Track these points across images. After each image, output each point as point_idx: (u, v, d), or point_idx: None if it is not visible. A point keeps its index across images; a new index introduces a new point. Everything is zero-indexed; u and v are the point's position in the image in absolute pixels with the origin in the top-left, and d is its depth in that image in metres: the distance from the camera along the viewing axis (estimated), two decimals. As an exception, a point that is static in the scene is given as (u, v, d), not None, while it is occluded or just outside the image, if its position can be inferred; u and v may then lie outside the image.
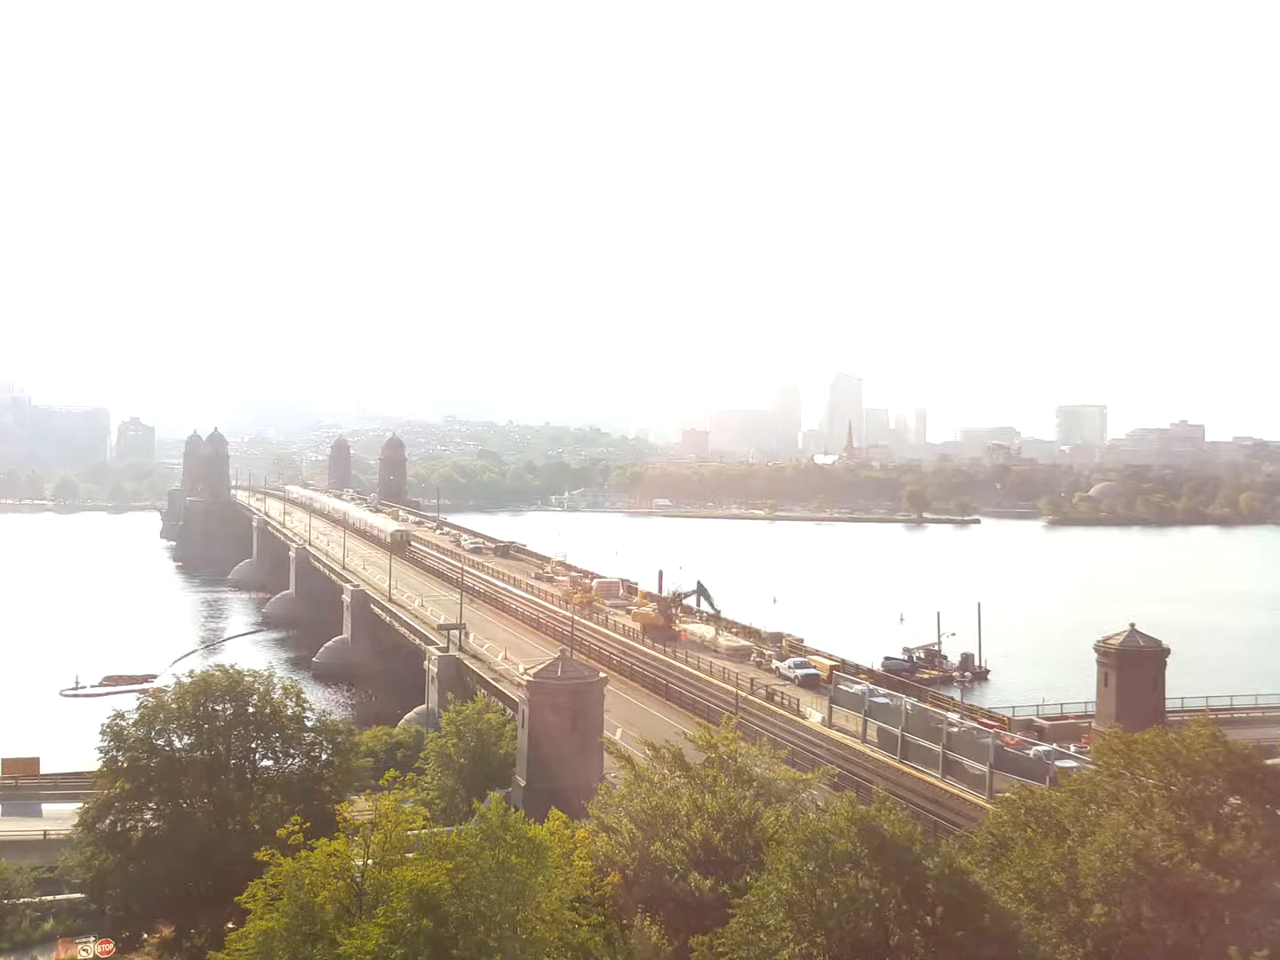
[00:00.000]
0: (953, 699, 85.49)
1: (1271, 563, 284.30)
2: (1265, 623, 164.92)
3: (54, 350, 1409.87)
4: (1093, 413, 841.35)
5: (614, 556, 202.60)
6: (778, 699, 76.97)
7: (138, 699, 52.53)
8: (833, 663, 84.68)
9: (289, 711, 50.86)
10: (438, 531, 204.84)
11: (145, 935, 48.91)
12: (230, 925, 38.61)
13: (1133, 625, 72.59)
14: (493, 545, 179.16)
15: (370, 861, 32.79)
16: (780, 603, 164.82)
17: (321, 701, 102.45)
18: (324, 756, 51.70)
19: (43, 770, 75.30)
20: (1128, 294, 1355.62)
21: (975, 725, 63.35)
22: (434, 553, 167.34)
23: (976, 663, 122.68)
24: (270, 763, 50.37)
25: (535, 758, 56.27)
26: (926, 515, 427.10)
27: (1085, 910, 31.49)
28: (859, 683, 71.17)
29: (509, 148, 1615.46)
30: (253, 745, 49.96)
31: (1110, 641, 71.84)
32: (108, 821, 47.95)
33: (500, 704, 75.90)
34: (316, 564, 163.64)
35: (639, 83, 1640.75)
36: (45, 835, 62.53)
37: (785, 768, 44.95)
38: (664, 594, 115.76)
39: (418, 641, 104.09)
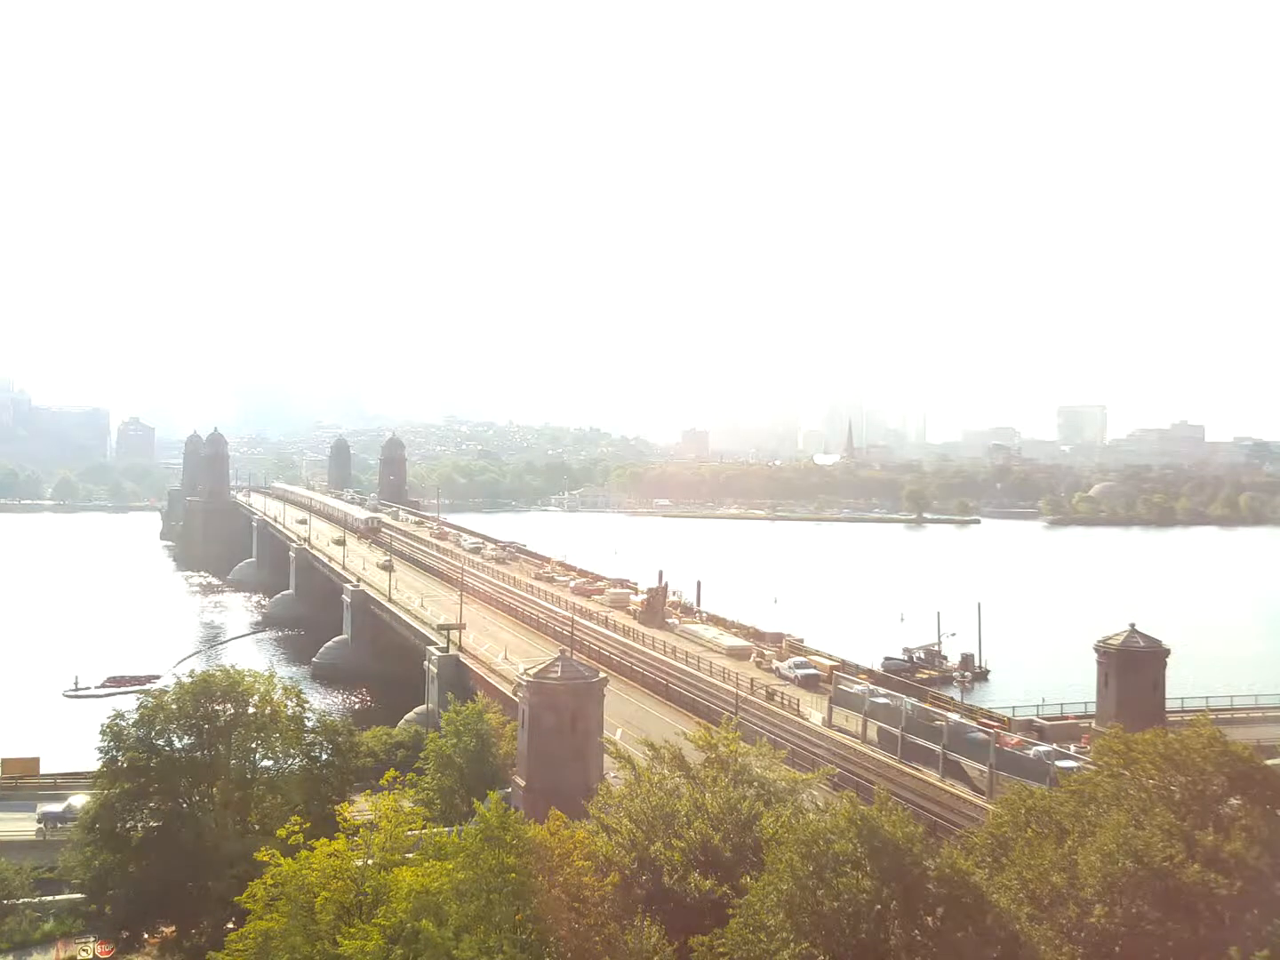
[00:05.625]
0: (953, 699, 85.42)
1: (1272, 564, 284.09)
2: (1265, 624, 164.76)
3: (54, 350, 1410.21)
4: (1093, 413, 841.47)
5: (614, 556, 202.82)
6: (778, 699, 76.87)
7: (138, 699, 52.55)
8: (833, 663, 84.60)
9: (289, 711, 50.98)
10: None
11: (145, 935, 48.95)
12: (230, 925, 38.63)
13: (1133, 625, 72.49)
14: (493, 546, 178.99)
15: (370, 862, 32.81)
16: (781, 603, 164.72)
17: (321, 701, 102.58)
18: (324, 756, 51.80)
19: (43, 770, 75.35)
20: (1127, 294, 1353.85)
21: (976, 725, 63.26)
22: (434, 553, 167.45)
23: (976, 663, 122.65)
24: (270, 763, 50.44)
25: (535, 758, 56.21)
26: (926, 515, 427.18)
27: (1085, 911, 31.45)
28: (859, 683, 71.07)
29: (510, 148, 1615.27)
30: (253, 745, 50.04)
31: (1110, 641, 71.77)
32: (108, 821, 48.01)
33: (500, 704, 75.92)
34: (316, 564, 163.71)
35: (642, 84, 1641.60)
36: (45, 835, 62.63)
37: (785, 768, 44.88)
38: (658, 585, 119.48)
39: (418, 641, 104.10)
